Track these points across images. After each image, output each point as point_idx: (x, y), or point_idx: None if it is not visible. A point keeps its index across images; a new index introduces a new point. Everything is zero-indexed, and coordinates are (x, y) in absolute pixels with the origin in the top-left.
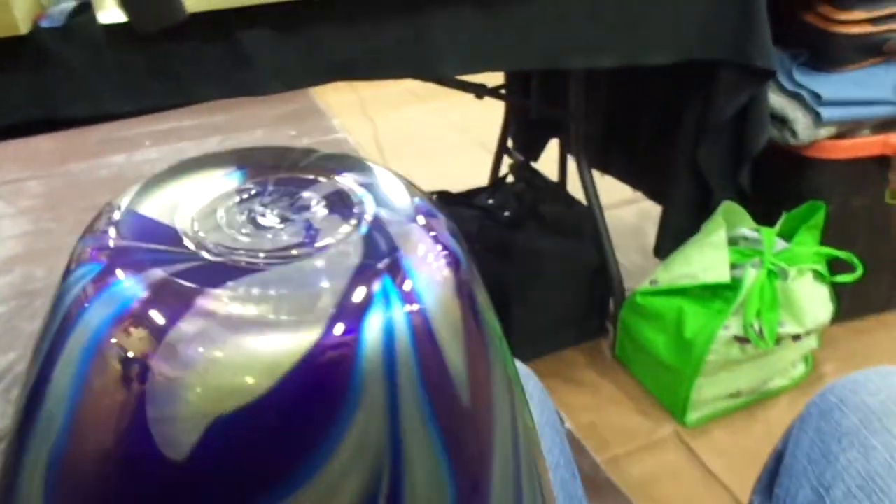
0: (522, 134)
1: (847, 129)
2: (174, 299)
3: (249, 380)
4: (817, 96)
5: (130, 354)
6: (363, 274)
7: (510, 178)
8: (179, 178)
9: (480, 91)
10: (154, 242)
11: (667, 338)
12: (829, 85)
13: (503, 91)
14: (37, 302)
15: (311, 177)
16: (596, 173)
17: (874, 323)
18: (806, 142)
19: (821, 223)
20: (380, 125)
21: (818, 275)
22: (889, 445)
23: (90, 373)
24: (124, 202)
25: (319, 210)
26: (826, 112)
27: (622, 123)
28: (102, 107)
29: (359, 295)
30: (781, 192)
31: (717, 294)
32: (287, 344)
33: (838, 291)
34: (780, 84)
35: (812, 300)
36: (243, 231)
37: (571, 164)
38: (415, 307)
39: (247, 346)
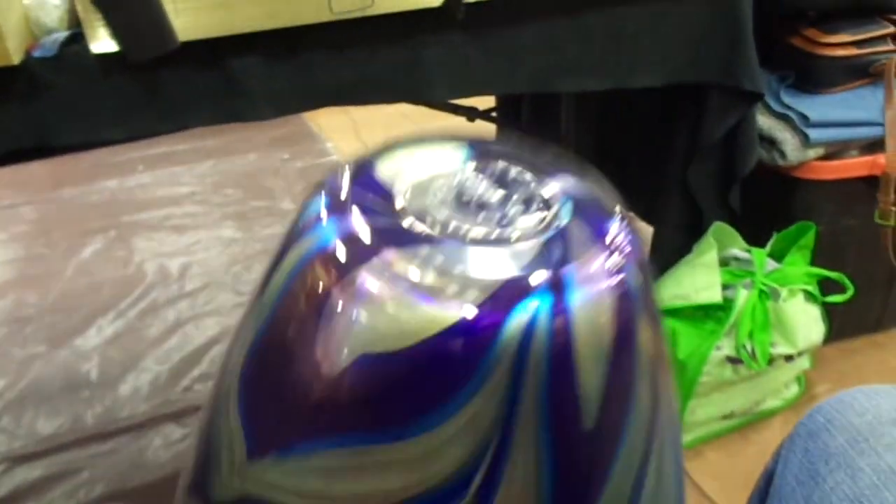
0: None
1: (835, 150)
2: (364, 248)
3: (398, 333)
4: (805, 118)
5: (320, 283)
6: (522, 278)
7: None
8: (417, 145)
9: (472, 114)
10: (373, 195)
11: None
12: (816, 106)
13: (494, 114)
14: (27, 328)
15: (528, 175)
16: None
17: (866, 343)
18: (794, 163)
19: (811, 243)
20: (372, 147)
21: (809, 295)
22: (876, 467)
23: (294, 284)
24: (369, 156)
25: (519, 207)
26: (814, 133)
27: (613, 145)
28: (95, 135)
29: (513, 293)
30: (771, 213)
31: (709, 315)
32: (436, 313)
33: (829, 312)
34: (767, 105)
35: (804, 320)
36: (446, 207)
37: None
38: (560, 321)
39: (406, 304)
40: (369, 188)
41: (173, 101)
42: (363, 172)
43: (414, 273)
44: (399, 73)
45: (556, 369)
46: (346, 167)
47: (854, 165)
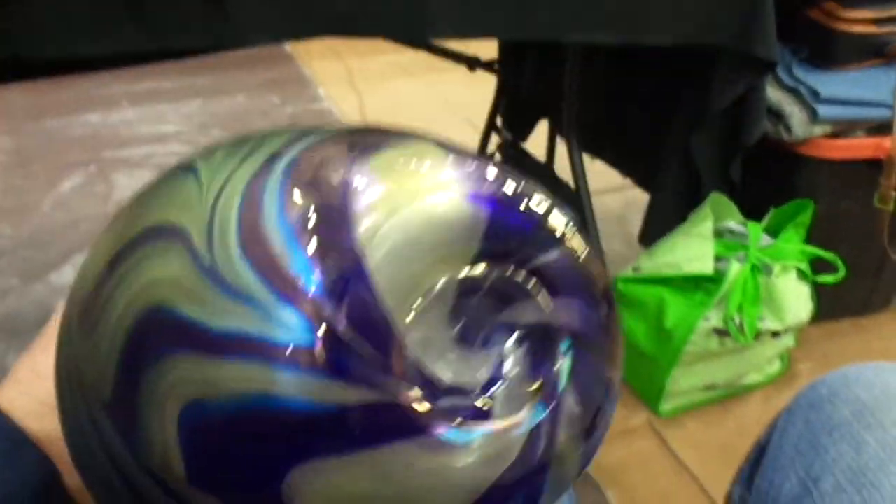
0: (512, 112)
1: (841, 129)
2: (345, 434)
3: None
4: (815, 93)
5: (274, 448)
6: (495, 491)
7: (497, 157)
8: (425, 206)
9: (473, 63)
10: (366, 337)
11: (646, 326)
12: (827, 83)
13: (496, 67)
14: (2, 260)
15: (534, 287)
16: (585, 158)
17: (850, 326)
18: (800, 138)
19: (808, 222)
20: (366, 98)
21: (801, 273)
22: (882, 441)
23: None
24: (362, 222)
25: (513, 347)
26: (823, 109)
27: (616, 107)
28: (71, 47)
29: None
30: (770, 188)
31: (700, 286)
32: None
33: (817, 292)
34: (778, 78)
35: (794, 298)
36: (445, 356)
37: (560, 147)
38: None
39: None
40: (363, 320)
41: (156, 18)
42: (359, 275)
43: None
44: (401, 5)
45: None
46: (334, 247)
47: (859, 146)
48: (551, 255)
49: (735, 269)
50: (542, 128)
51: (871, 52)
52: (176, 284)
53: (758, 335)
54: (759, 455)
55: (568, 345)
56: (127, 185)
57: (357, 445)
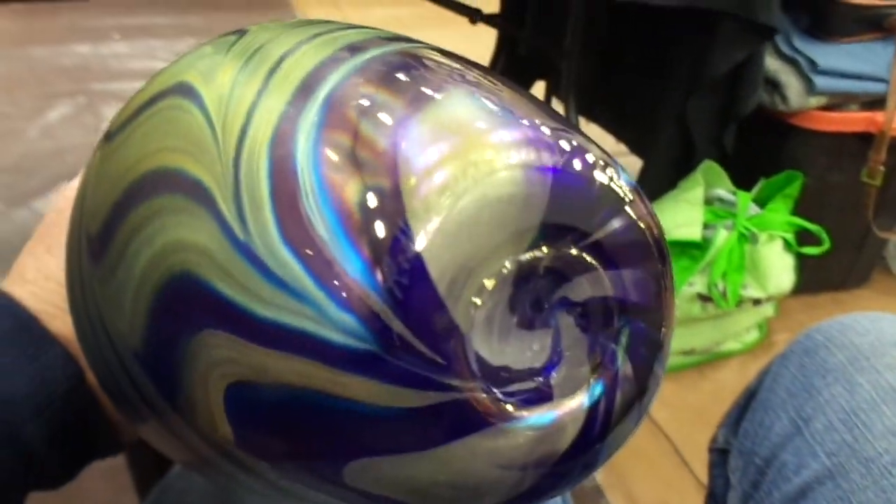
0: (509, 71)
1: (836, 102)
2: (409, 437)
3: None
4: (813, 63)
5: (335, 445)
6: (555, 468)
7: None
8: (480, 185)
9: (475, 16)
10: (425, 336)
11: None
12: (826, 54)
13: (498, 20)
14: None
15: (593, 260)
16: (580, 122)
17: (828, 300)
18: (795, 109)
19: (796, 193)
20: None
21: (787, 243)
22: (875, 383)
23: None
24: (414, 207)
25: (571, 326)
26: (820, 81)
27: (614, 71)
28: None
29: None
30: (762, 158)
31: (685, 251)
32: None
33: (799, 264)
34: (777, 47)
35: (777, 267)
36: (506, 342)
37: (555, 109)
38: None
39: None
40: (415, 309)
41: None
42: (416, 270)
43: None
44: None
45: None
46: (379, 215)
47: (852, 119)
48: (613, 225)
49: (722, 236)
50: (537, 89)
51: (871, 24)
52: (207, 255)
53: (740, 302)
54: (748, 400)
55: (625, 319)
56: None
57: (422, 444)
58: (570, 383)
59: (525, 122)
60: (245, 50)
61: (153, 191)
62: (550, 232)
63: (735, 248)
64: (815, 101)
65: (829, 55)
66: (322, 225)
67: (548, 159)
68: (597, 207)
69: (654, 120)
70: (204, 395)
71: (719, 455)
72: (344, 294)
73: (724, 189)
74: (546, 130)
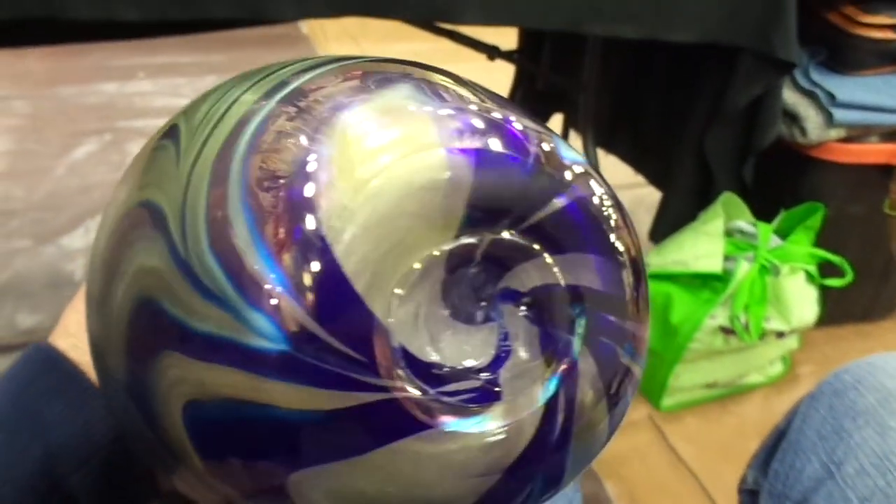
0: (528, 104)
1: (856, 134)
2: (340, 441)
3: None
4: (832, 97)
5: (273, 454)
6: (511, 478)
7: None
8: (398, 168)
9: (493, 53)
10: (344, 335)
11: (652, 321)
12: (844, 87)
13: (515, 57)
14: (13, 222)
15: (537, 244)
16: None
17: (853, 331)
18: (814, 141)
19: (817, 225)
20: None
21: (809, 275)
22: None
23: None
24: (328, 202)
25: (518, 318)
26: (839, 113)
27: (632, 103)
28: (108, 11)
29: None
30: (782, 190)
31: (707, 284)
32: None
33: (822, 296)
34: (795, 80)
35: (800, 300)
36: (439, 338)
37: (572, 141)
38: None
39: None
40: (337, 306)
41: None
42: (329, 268)
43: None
44: None
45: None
46: (306, 233)
47: (872, 152)
48: (554, 206)
49: (743, 268)
50: (555, 121)
51: (889, 57)
52: (159, 277)
53: (763, 335)
54: (776, 440)
55: (580, 307)
56: None
57: (355, 451)
58: (522, 381)
59: (452, 109)
60: (221, 89)
61: (131, 226)
62: (481, 217)
63: (757, 280)
64: (834, 133)
65: (848, 88)
66: (241, 231)
67: (470, 141)
68: (532, 187)
69: (674, 152)
70: (170, 419)
71: (749, 496)
72: (257, 296)
73: (745, 221)
74: (476, 116)
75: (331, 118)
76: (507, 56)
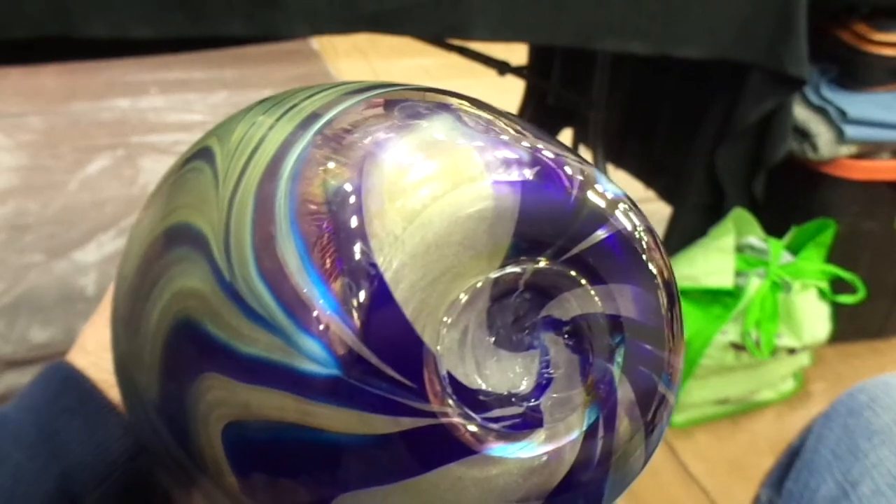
0: (538, 120)
1: (867, 151)
2: (389, 465)
3: None
4: (843, 113)
5: (318, 478)
6: (551, 502)
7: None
8: (446, 201)
9: (504, 68)
10: (393, 361)
11: None
12: (855, 103)
13: (525, 72)
14: (27, 236)
15: (578, 275)
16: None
17: (866, 348)
18: (825, 158)
19: (829, 241)
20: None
21: (821, 292)
22: None
23: None
24: (378, 232)
25: (560, 346)
26: (850, 130)
27: (642, 118)
28: (124, 30)
29: None
30: (793, 206)
31: (718, 299)
32: None
33: (834, 313)
34: (806, 97)
35: (812, 316)
36: (484, 365)
37: (582, 156)
38: None
39: None
40: (386, 341)
41: (206, 4)
42: (380, 294)
43: None
44: (443, 6)
45: None
46: (350, 273)
47: (883, 168)
48: (595, 237)
49: (755, 284)
50: (565, 136)
51: None
52: (202, 300)
53: (774, 351)
54: (790, 459)
55: (619, 337)
56: (153, 169)
57: (401, 475)
58: (563, 408)
59: (493, 140)
60: (252, 113)
61: (166, 247)
62: (526, 248)
63: (768, 296)
64: (845, 149)
65: (859, 105)
66: (292, 256)
67: (516, 173)
68: (575, 219)
69: (684, 167)
70: (207, 439)
71: None
72: (308, 321)
73: (756, 237)
74: (517, 147)
75: (374, 151)
76: (517, 71)
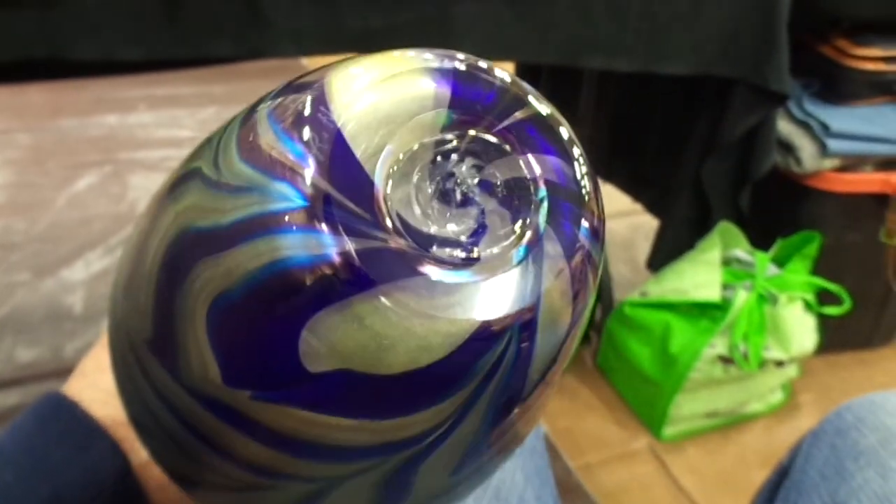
0: None
1: (850, 164)
2: (346, 280)
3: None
4: (825, 127)
5: (284, 308)
6: (505, 317)
7: None
8: (391, 85)
9: None
10: (350, 195)
11: (651, 351)
12: (838, 117)
13: None
14: (13, 255)
15: (507, 146)
16: None
17: (853, 359)
18: (809, 171)
19: (814, 253)
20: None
21: (807, 304)
22: None
23: (251, 295)
24: (336, 105)
25: (493, 201)
26: (833, 143)
27: (629, 133)
28: (111, 52)
29: (491, 332)
30: (778, 219)
31: (706, 313)
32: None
33: (821, 324)
34: (789, 111)
35: (799, 328)
36: (428, 211)
37: None
38: (526, 342)
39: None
40: (346, 178)
41: (194, 25)
42: (334, 144)
43: (402, 312)
44: (428, 25)
45: (517, 365)
46: (308, 120)
47: (867, 181)
48: (517, 116)
49: (742, 297)
50: None
51: (881, 88)
52: (194, 208)
53: (762, 364)
54: (780, 477)
55: (543, 193)
56: (141, 186)
57: (358, 288)
58: (498, 247)
59: (434, 55)
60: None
61: (168, 194)
62: (459, 122)
63: (755, 309)
64: (829, 163)
65: (841, 118)
66: (269, 137)
67: (449, 66)
68: (499, 103)
69: (671, 181)
70: (194, 337)
71: None
72: (280, 170)
73: (742, 250)
74: (452, 59)
75: (328, 77)
76: None
